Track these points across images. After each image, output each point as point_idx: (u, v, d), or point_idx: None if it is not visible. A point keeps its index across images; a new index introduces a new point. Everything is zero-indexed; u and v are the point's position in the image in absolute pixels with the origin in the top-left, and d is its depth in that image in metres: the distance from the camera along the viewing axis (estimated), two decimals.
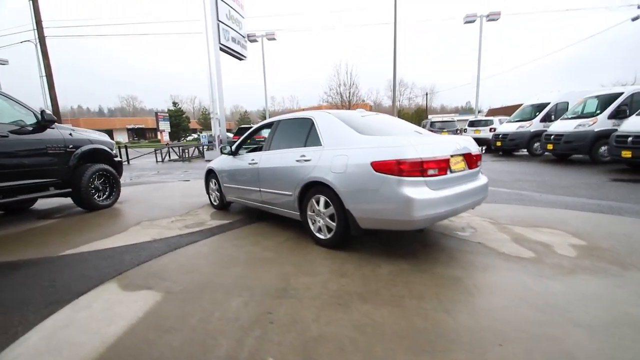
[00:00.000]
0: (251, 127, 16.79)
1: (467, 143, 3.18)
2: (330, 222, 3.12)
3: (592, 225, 3.59)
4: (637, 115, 7.62)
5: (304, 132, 3.57)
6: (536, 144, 12.07)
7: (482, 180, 3.28)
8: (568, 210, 4.30)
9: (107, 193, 5.77)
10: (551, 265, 2.61)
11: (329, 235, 3.17)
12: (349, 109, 38.13)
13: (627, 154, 7.15)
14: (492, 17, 18.03)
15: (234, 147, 4.70)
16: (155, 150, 17.62)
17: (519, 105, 15.00)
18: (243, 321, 1.93)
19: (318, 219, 3.26)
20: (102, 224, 4.56)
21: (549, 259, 2.71)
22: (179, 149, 17.84)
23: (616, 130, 7.91)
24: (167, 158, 17.25)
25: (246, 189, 4.30)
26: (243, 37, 18.82)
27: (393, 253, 3.01)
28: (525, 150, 12.54)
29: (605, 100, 9.45)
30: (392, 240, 3.36)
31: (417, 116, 46.33)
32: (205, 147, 17.79)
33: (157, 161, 16.28)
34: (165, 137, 33.69)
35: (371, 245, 3.21)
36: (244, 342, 1.74)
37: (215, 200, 5.26)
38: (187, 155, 17.26)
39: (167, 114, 43.05)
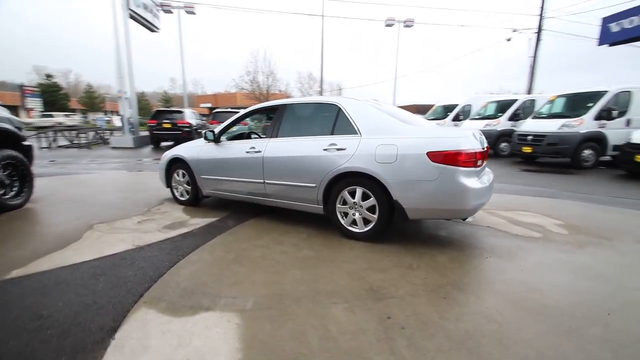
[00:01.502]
0: (229, 111, 14.83)
1: (482, 137, 3.43)
2: (370, 214, 2.98)
3: (553, 208, 4.35)
4: (532, 118, 9.55)
5: (328, 118, 3.29)
6: None
7: (491, 173, 3.60)
8: (519, 196, 5.11)
9: (16, 188, 4.28)
10: (562, 242, 3.06)
11: (365, 228, 3.02)
12: (267, 98, 37.28)
13: (527, 149, 8.88)
14: (408, 23, 20.00)
15: (216, 133, 4.03)
16: (38, 133, 13.87)
17: (420, 105, 17.36)
18: (371, 331, 1.68)
19: (352, 211, 3.07)
20: (34, 232, 3.37)
21: (555, 238, 3.17)
22: (71, 133, 14.46)
23: (514, 130, 9.80)
24: (55, 144, 13.79)
25: (241, 181, 3.75)
26: (156, 4, 16.30)
27: (425, 242, 3.06)
28: None
29: (502, 105, 11.56)
30: (405, 229, 3.42)
31: None
32: (107, 132, 14.87)
33: (41, 147, 12.84)
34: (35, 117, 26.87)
35: (392, 236, 3.20)
36: (399, 352, 1.52)
37: (182, 195, 4.45)
38: (84, 141, 14.13)
39: (38, 89, 34.49)
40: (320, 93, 20.26)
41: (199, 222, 3.70)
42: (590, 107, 8.20)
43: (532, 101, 11.40)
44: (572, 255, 2.76)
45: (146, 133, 14.78)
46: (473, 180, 2.66)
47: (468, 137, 2.69)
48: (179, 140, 13.17)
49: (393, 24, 19.98)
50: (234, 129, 4.35)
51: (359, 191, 2.99)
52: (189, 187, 4.34)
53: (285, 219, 3.79)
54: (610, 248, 2.94)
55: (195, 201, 4.37)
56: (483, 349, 1.55)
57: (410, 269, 2.48)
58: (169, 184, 4.60)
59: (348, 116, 3.12)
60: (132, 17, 13.87)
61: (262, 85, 37.34)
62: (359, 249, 2.89)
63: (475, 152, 2.67)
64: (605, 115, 7.95)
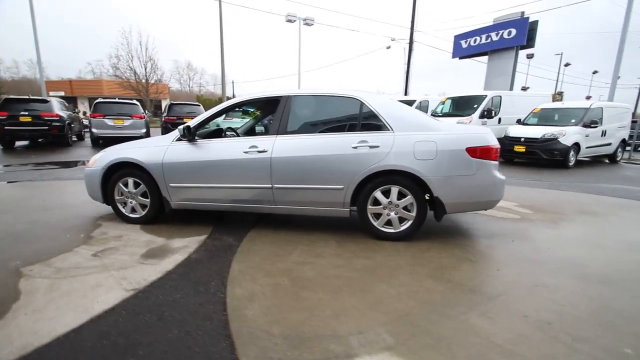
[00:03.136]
0: (116, 101, 10.73)
1: None
2: (407, 213, 2.90)
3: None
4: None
5: (349, 113, 3.03)
6: None
7: None
8: None
9: None
10: (538, 220, 3.67)
11: (402, 228, 2.93)
12: (146, 89, 32.31)
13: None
14: (308, 21, 20.43)
15: (192, 129, 3.19)
16: None
17: None
18: (533, 336, 1.61)
19: (386, 212, 2.93)
20: None
21: (529, 217, 3.78)
22: None
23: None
24: None
25: (237, 187, 3.10)
26: None
27: (441, 235, 3.20)
28: None
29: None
30: None
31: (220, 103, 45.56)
32: None
33: None
34: None
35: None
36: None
37: (135, 211, 3.39)
38: None
39: None
40: (222, 86, 18.73)
41: (184, 243, 2.89)
42: (476, 107, 10.14)
43: (427, 102, 13.30)
44: (560, 230, 3.35)
45: None
46: (500, 173, 2.90)
47: (491, 134, 2.91)
48: (45, 138, 10.07)
49: (294, 21, 20.10)
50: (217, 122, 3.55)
51: (394, 190, 2.87)
52: (147, 200, 3.34)
53: (287, 226, 3.34)
54: (575, 221, 3.69)
55: (154, 217, 3.39)
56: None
57: (471, 261, 2.54)
58: (108, 198, 3.42)
59: (375, 111, 2.94)
60: None
61: (139, 72, 32.05)
62: (402, 249, 2.78)
63: (499, 147, 2.91)
64: (486, 114, 9.95)
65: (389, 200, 2.89)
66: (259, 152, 3.01)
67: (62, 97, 12.57)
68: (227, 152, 3.10)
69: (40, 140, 10.27)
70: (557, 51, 38.74)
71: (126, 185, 3.35)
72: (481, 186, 2.81)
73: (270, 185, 3.03)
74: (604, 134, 8.91)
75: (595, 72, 41.21)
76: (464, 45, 18.79)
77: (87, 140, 12.10)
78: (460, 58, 19.58)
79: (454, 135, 2.81)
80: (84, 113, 17.78)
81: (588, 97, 35.97)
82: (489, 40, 17.22)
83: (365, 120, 2.97)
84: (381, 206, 2.93)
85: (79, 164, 7.43)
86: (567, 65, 37.93)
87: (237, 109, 3.52)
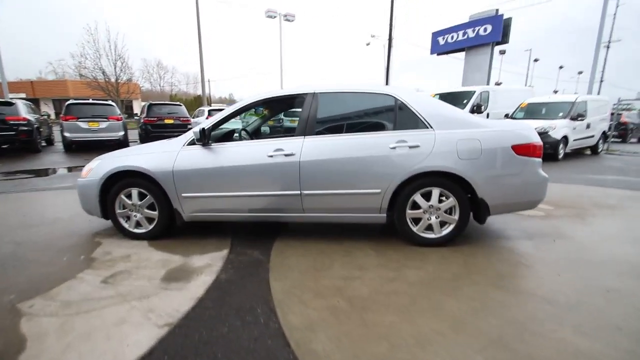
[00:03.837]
0: (91, 103, 9.62)
1: None
2: (449, 216, 2.71)
3: None
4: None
5: (383, 111, 2.81)
6: None
7: None
8: None
9: None
10: (564, 216, 3.60)
11: (443, 232, 2.74)
12: (117, 89, 30.63)
13: None
14: (289, 17, 19.98)
15: (205, 132, 2.84)
16: None
17: None
18: None
19: (427, 216, 2.73)
20: None
21: (554, 214, 3.71)
22: None
23: None
24: None
25: (260, 195, 2.79)
26: None
27: (479, 238, 3.06)
28: None
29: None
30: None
31: (197, 104, 44.13)
32: None
33: None
34: None
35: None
36: None
37: (140, 225, 3.01)
38: None
39: None
40: (202, 85, 17.91)
41: (206, 261, 2.56)
42: (465, 103, 10.23)
43: None
44: (591, 226, 3.28)
45: None
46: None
47: (533, 129, 2.77)
48: (12, 145, 9.16)
49: (275, 16, 19.59)
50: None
51: (435, 192, 2.68)
52: (155, 213, 2.96)
53: (313, 235, 3.08)
54: (599, 215, 3.64)
55: (164, 231, 3.03)
56: None
57: (525, 265, 2.40)
58: (108, 212, 3.01)
59: (411, 108, 2.73)
60: None
61: (109, 71, 30.26)
62: (448, 256, 2.60)
63: (542, 144, 2.77)
64: (476, 109, 10.06)
65: (429, 203, 2.69)
66: (286, 155, 2.72)
67: (24, 100, 11.47)
68: (248, 157, 2.78)
69: (6, 146, 9.31)
70: (526, 47, 40.52)
71: (129, 196, 2.96)
72: (526, 185, 2.67)
73: (298, 192, 2.75)
74: (588, 126, 9.23)
75: (561, 67, 43.48)
76: (442, 42, 19.00)
77: (58, 145, 11.17)
78: (439, 54, 19.82)
79: (498, 132, 2.64)
80: (48, 116, 16.44)
81: (555, 91, 37.92)
82: (465, 36, 17.48)
83: (402, 118, 2.75)
84: (421, 210, 2.72)
85: (51, 172, 6.76)
86: (536, 60, 39.73)
87: (254, 108, 3.20)
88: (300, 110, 2.92)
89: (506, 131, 2.66)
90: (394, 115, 2.76)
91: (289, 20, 20.23)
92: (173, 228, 3.11)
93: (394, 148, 2.64)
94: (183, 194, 2.87)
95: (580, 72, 47.15)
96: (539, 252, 2.66)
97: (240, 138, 3.53)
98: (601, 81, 26.36)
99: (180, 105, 11.76)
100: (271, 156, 2.74)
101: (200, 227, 3.28)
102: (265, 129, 4.23)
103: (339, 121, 2.89)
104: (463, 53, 17.92)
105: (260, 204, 2.84)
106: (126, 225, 3.03)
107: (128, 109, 33.54)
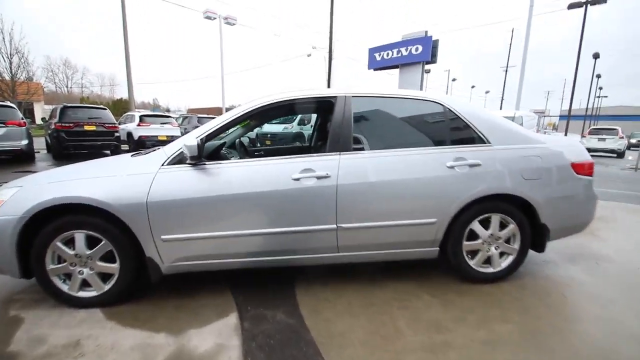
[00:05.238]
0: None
1: None
2: (509, 245, 2.31)
3: None
4: None
5: (431, 121, 2.31)
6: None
7: None
8: None
9: None
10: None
11: (503, 265, 2.33)
12: (12, 89, 25.53)
13: None
14: (230, 20, 18.71)
15: (199, 145, 1.98)
16: None
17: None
18: None
19: (486, 247, 2.28)
20: None
21: None
22: None
23: None
24: None
25: (277, 233, 2.04)
26: None
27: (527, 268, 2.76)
28: None
29: None
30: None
31: (117, 109, 38.86)
32: None
33: None
34: None
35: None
36: None
37: (85, 287, 2.00)
38: None
39: None
40: (129, 88, 15.46)
41: (213, 340, 1.72)
42: None
43: None
44: (613, 242, 3.21)
45: None
46: None
47: (581, 145, 2.56)
48: None
49: (214, 18, 18.19)
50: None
51: (495, 219, 2.25)
52: (114, 266, 1.98)
53: (336, 275, 2.42)
54: (609, 229, 3.60)
55: (127, 293, 2.06)
56: None
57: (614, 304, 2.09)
58: (31, 269, 1.93)
59: (463, 118, 2.28)
60: None
61: (2, 68, 24.95)
62: (515, 297, 2.18)
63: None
64: None
65: (489, 232, 2.26)
66: (318, 178, 2.03)
67: None
68: (265, 181, 2.01)
69: None
70: (445, 68, 45.39)
71: (71, 243, 1.93)
72: (582, 206, 2.41)
73: (334, 226, 2.07)
74: None
75: (473, 87, 49.68)
76: (378, 58, 19.81)
77: None
78: (375, 70, 20.66)
79: (557, 149, 2.34)
80: None
81: None
82: (399, 54, 18.49)
83: (454, 131, 2.28)
84: (480, 240, 2.27)
85: None
86: (454, 80, 44.68)
87: (271, 112, 2.43)
88: (317, 118, 2.28)
89: (564, 147, 2.38)
90: (444, 127, 2.29)
91: (229, 24, 18.99)
92: (140, 286, 2.14)
93: (452, 167, 2.15)
94: (164, 236, 1.96)
95: (487, 92, 54.67)
96: (590, 277, 2.41)
97: (240, 153, 2.71)
98: (502, 99, 30.59)
99: (105, 109, 9.82)
100: (297, 179, 2.02)
101: (179, 278, 2.34)
102: (244, 140, 3.42)
103: (379, 133, 2.31)
104: (397, 70, 19.01)
105: (278, 244, 2.08)
106: (65, 288, 1.97)
107: (28, 112, 28.04)
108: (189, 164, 1.99)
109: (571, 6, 15.63)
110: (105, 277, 2.01)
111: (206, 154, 2.13)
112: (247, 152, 3.03)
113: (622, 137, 14.63)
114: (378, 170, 2.10)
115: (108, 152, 9.48)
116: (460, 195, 2.14)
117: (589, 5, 15.28)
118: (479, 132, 2.26)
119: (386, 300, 2.10)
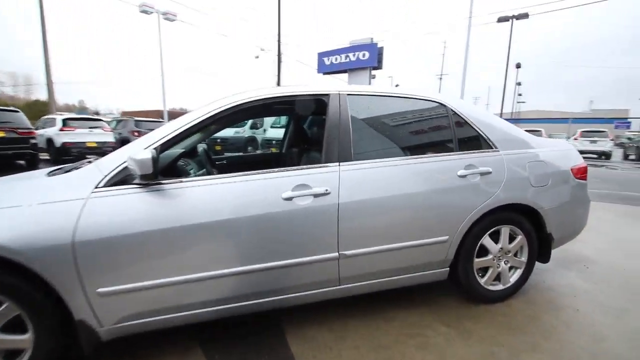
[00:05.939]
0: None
1: None
2: (517, 259, 2.11)
3: None
4: None
5: (435, 125, 2.02)
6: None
7: None
8: None
9: None
10: None
11: (510, 282, 2.12)
12: None
13: None
14: (170, 16, 17.14)
15: (154, 157, 1.43)
16: None
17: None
18: None
19: (496, 263, 2.06)
20: None
21: None
22: None
23: None
24: None
25: (263, 270, 1.58)
26: None
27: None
28: None
29: None
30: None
31: (34, 111, 33.65)
32: None
33: None
34: None
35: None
36: None
37: None
38: None
39: None
40: (49, 88, 13.19)
41: None
42: None
43: None
44: (599, 245, 3.19)
45: None
46: None
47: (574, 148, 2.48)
48: None
49: (151, 12, 16.54)
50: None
51: (504, 231, 2.04)
52: (25, 337, 1.35)
53: (330, 308, 2.02)
54: (591, 231, 3.63)
55: None
56: None
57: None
58: None
59: (468, 121, 2.04)
60: None
61: None
62: (531, 317, 1.98)
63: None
64: None
65: (499, 246, 2.04)
66: (316, 196, 1.61)
67: None
68: (247, 203, 1.53)
69: None
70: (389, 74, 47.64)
71: None
72: (581, 211, 2.32)
73: (335, 254, 1.67)
74: None
75: None
76: (327, 62, 19.90)
77: None
78: (325, 74, 20.71)
79: (557, 152, 2.21)
80: None
81: None
82: (347, 60, 18.81)
83: (460, 135, 2.02)
84: (490, 256, 2.04)
85: None
86: (397, 86, 47.13)
87: (236, 116, 1.90)
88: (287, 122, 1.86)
89: (562, 151, 2.26)
90: (450, 131, 2.01)
91: (169, 20, 17.45)
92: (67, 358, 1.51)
93: (463, 176, 1.88)
94: (101, 289, 1.37)
95: None
96: (590, 284, 2.34)
97: (200, 165, 2.16)
98: None
99: (17, 112, 8.16)
100: (289, 199, 1.57)
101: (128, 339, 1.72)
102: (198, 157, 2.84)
103: (380, 139, 1.95)
104: (346, 74, 19.24)
105: (265, 284, 1.61)
106: None
107: None
108: (137, 184, 1.43)
109: (500, 20, 17.26)
110: (11, 355, 1.36)
111: (160, 169, 1.57)
112: (211, 162, 2.47)
113: (612, 140, 14.95)
114: (387, 183, 1.75)
115: (23, 162, 7.93)
116: (472, 208, 1.88)
117: (514, 19, 17.03)
118: (486, 136, 2.04)
119: (397, 338, 1.75)
